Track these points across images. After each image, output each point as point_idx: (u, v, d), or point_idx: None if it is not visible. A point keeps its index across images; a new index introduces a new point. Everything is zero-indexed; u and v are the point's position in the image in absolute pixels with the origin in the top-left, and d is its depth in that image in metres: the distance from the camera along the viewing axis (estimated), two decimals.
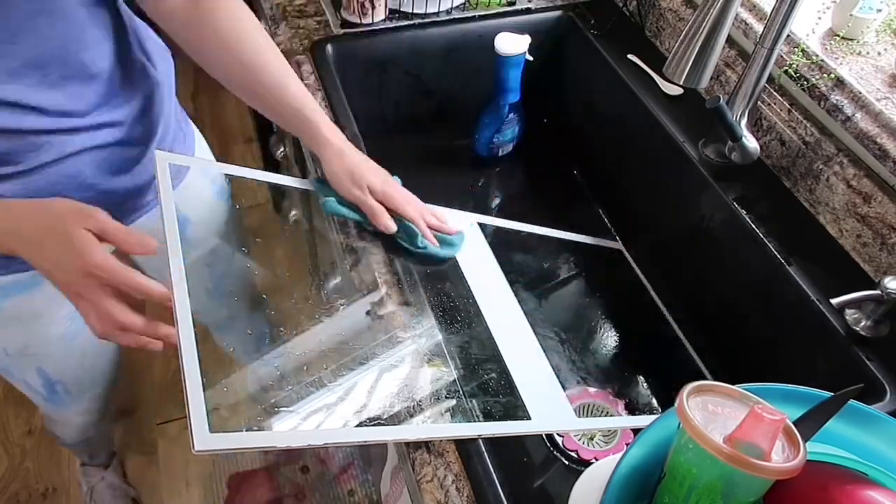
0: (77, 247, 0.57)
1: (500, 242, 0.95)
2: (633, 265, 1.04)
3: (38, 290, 0.81)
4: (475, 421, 0.65)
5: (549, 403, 0.71)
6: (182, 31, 0.74)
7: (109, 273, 0.58)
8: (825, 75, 0.81)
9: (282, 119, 0.78)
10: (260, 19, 1.54)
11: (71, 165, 0.71)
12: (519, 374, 0.72)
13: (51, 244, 0.58)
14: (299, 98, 0.76)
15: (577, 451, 0.80)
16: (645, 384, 0.89)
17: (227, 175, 0.94)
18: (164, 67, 0.82)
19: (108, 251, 0.59)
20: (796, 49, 0.84)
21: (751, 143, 0.85)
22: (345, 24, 1.04)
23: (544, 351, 0.78)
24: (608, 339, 0.93)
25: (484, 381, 0.71)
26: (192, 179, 0.90)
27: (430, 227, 0.79)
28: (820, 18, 0.86)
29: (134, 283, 0.59)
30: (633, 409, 0.86)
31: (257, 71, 0.74)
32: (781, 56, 0.84)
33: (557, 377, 0.74)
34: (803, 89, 0.83)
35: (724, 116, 0.80)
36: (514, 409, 0.68)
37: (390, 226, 0.75)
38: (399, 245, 0.78)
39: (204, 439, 0.51)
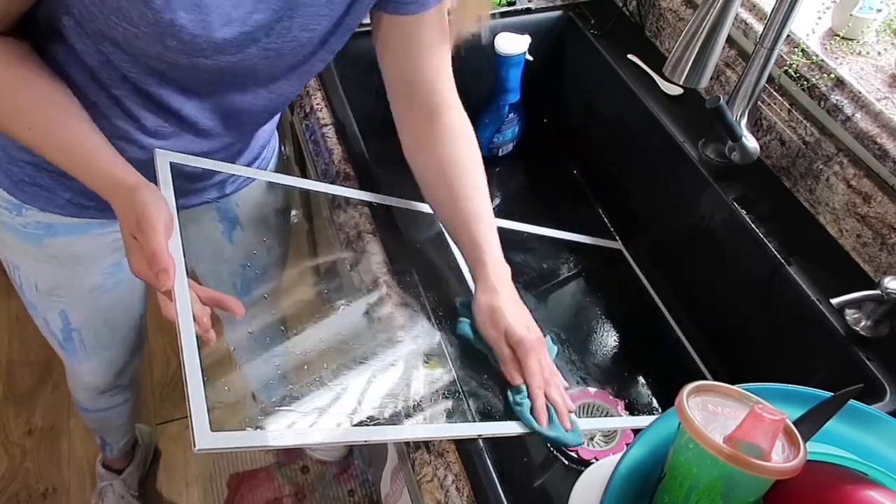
0: (126, 250, 0.63)
1: (500, 242, 0.95)
2: (633, 265, 1.04)
3: (84, 237, 0.83)
4: (475, 421, 0.65)
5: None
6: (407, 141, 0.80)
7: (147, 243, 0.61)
8: (825, 75, 0.81)
9: (454, 234, 0.78)
10: None
11: None
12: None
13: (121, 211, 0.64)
14: (482, 231, 0.75)
15: (577, 451, 0.80)
16: (645, 384, 0.89)
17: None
18: None
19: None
20: (796, 49, 0.84)
21: (751, 143, 0.85)
22: None
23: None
24: (608, 339, 0.93)
25: (484, 380, 0.71)
26: (257, 184, 0.93)
27: (550, 400, 0.69)
28: (820, 18, 0.86)
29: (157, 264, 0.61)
30: (633, 409, 0.86)
31: (460, 197, 0.77)
32: (781, 56, 0.84)
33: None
34: (803, 89, 0.83)
35: (724, 116, 0.80)
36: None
37: (516, 377, 0.69)
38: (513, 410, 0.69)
39: (204, 438, 0.51)
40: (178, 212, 0.66)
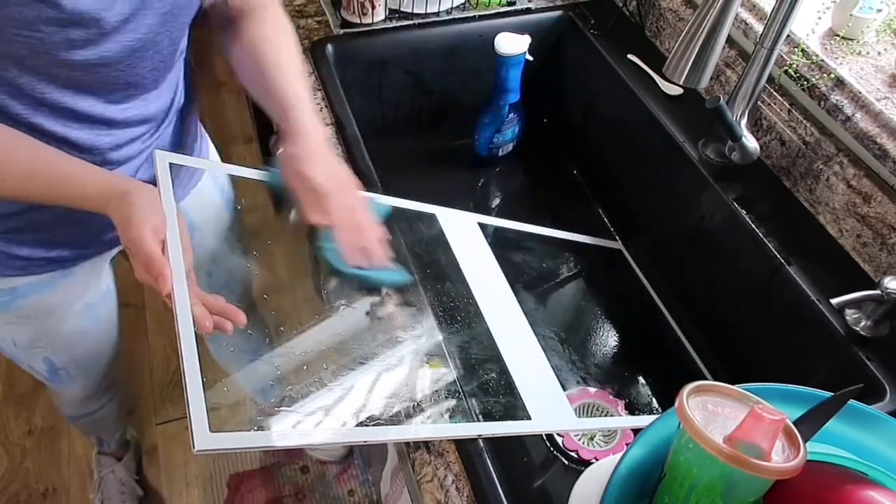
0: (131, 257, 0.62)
1: (500, 242, 0.95)
2: (633, 265, 1.04)
3: (52, 290, 0.83)
4: (475, 421, 0.65)
5: (549, 403, 0.71)
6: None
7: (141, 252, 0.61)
8: (825, 75, 0.81)
9: (266, 104, 0.77)
10: None
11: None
12: (519, 374, 0.72)
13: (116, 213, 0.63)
14: (293, 84, 0.74)
15: (577, 451, 0.80)
16: (645, 384, 0.89)
17: (231, 177, 0.94)
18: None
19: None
20: (796, 49, 0.84)
21: (751, 143, 0.85)
22: (345, 24, 1.04)
23: (544, 351, 0.78)
24: (608, 339, 0.93)
25: (484, 381, 0.71)
26: (203, 186, 0.92)
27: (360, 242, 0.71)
28: (820, 18, 0.86)
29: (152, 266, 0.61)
30: (633, 409, 0.86)
31: (269, 66, 0.75)
32: (781, 56, 0.84)
33: (557, 377, 0.74)
34: (803, 89, 0.83)
35: (724, 116, 0.80)
36: (514, 409, 0.68)
37: (313, 216, 0.69)
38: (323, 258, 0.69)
39: (204, 439, 0.51)
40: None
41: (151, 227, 0.61)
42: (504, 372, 0.72)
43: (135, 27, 0.62)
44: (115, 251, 0.89)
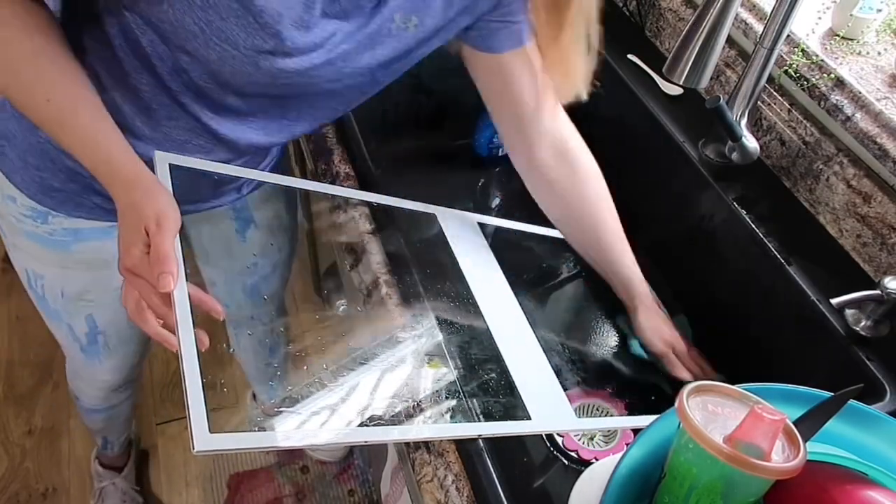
0: (125, 241, 0.60)
1: (500, 242, 0.95)
2: None
3: (112, 240, 0.82)
4: (475, 421, 0.65)
5: (549, 403, 0.71)
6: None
7: (141, 273, 0.60)
8: (825, 75, 0.81)
9: (597, 265, 0.87)
10: None
11: None
12: (519, 374, 0.72)
13: (125, 225, 0.62)
14: (628, 264, 0.85)
15: (577, 451, 0.80)
16: (645, 384, 0.89)
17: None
18: None
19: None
20: (796, 49, 0.84)
21: (751, 143, 0.85)
22: None
23: (544, 351, 0.78)
24: (608, 340, 0.93)
25: (484, 381, 0.71)
26: (271, 184, 0.92)
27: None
28: (820, 18, 0.86)
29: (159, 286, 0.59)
30: (633, 409, 0.86)
31: (597, 232, 0.84)
32: (781, 56, 0.84)
33: (557, 377, 0.74)
34: (803, 89, 0.83)
35: (724, 116, 0.80)
36: (514, 409, 0.68)
37: (684, 374, 0.82)
38: None
39: (204, 439, 0.51)
40: (192, 214, 0.66)
41: (175, 222, 0.60)
42: (504, 372, 0.72)
43: (310, 77, 0.63)
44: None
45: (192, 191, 0.81)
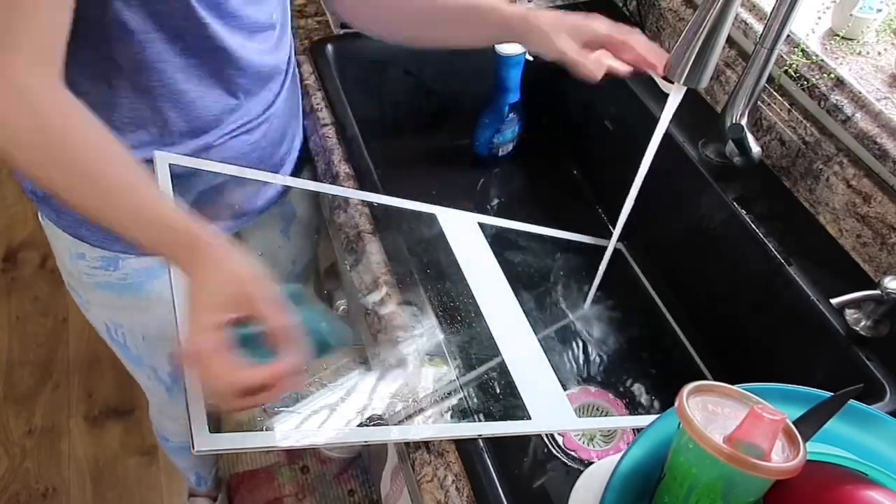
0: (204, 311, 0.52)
1: (500, 242, 0.95)
2: (633, 265, 1.04)
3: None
4: (476, 421, 0.65)
5: (550, 403, 0.71)
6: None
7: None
8: (825, 75, 0.81)
9: (457, 25, 0.77)
10: None
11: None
12: (519, 373, 0.72)
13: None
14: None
15: (576, 451, 0.80)
16: (645, 384, 0.89)
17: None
18: None
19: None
20: (796, 49, 0.84)
21: (754, 148, 0.84)
22: (345, 24, 1.04)
23: (544, 351, 0.78)
24: (608, 340, 0.93)
25: (484, 380, 0.71)
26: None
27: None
28: (820, 18, 0.86)
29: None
30: (633, 409, 0.86)
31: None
32: (781, 56, 0.84)
33: (557, 377, 0.74)
34: (803, 89, 0.83)
35: (743, 142, 0.80)
36: (515, 408, 0.68)
37: (620, 68, 0.72)
38: None
39: (204, 440, 0.51)
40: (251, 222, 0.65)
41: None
42: (504, 372, 0.72)
43: None
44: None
45: (252, 199, 0.81)
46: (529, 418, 0.68)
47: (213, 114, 0.72)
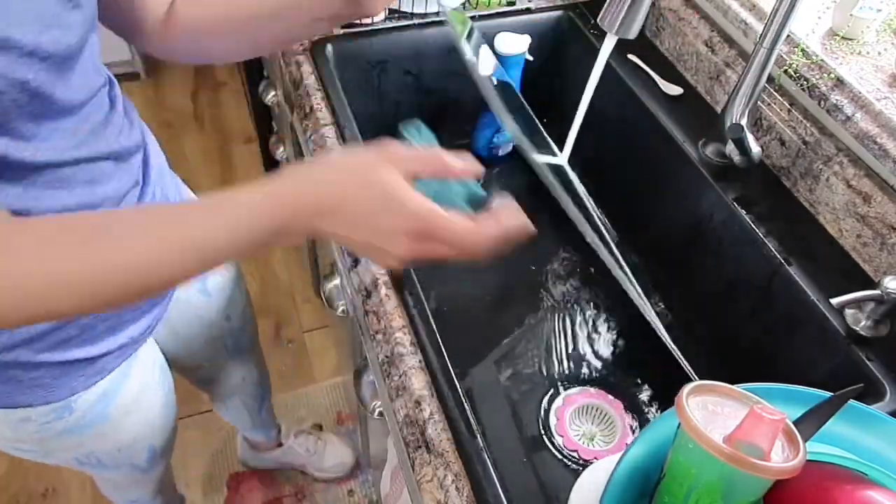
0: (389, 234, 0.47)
1: None
2: (633, 265, 1.04)
3: (130, 376, 0.77)
4: None
5: None
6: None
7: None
8: (825, 75, 0.81)
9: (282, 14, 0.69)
10: None
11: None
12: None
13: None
14: None
15: (577, 451, 0.80)
16: (645, 384, 0.89)
17: None
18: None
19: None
20: (796, 49, 0.84)
21: (754, 148, 0.84)
22: (345, 24, 1.04)
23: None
24: (608, 340, 0.93)
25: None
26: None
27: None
28: (820, 18, 0.86)
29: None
30: (633, 410, 0.86)
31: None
32: (781, 56, 0.84)
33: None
34: (803, 89, 0.83)
35: (743, 142, 0.80)
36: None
37: None
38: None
39: None
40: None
41: (398, 169, 0.47)
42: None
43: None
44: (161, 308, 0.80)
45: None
46: None
47: None
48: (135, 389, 0.79)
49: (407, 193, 0.48)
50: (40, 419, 0.70)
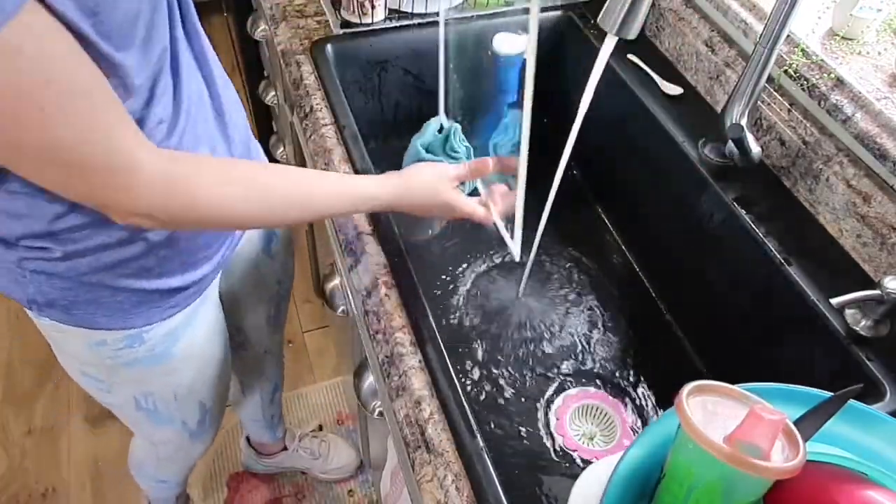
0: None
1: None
2: (634, 265, 1.04)
3: (198, 320, 0.82)
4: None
5: None
6: None
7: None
8: (825, 75, 0.81)
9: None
10: (259, 19, 1.54)
11: None
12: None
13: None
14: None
15: (577, 451, 0.80)
16: (645, 384, 0.89)
17: None
18: None
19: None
20: (796, 49, 0.84)
21: (754, 148, 0.84)
22: (344, 24, 1.04)
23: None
24: (608, 340, 0.93)
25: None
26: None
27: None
28: (820, 18, 0.86)
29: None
30: (633, 410, 0.86)
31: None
32: (781, 56, 0.84)
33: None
34: (803, 89, 0.83)
35: (743, 142, 0.80)
36: None
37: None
38: None
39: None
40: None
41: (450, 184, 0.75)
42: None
43: None
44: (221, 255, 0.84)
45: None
46: None
47: None
48: (199, 336, 0.85)
49: (457, 204, 0.77)
50: (115, 344, 0.76)
